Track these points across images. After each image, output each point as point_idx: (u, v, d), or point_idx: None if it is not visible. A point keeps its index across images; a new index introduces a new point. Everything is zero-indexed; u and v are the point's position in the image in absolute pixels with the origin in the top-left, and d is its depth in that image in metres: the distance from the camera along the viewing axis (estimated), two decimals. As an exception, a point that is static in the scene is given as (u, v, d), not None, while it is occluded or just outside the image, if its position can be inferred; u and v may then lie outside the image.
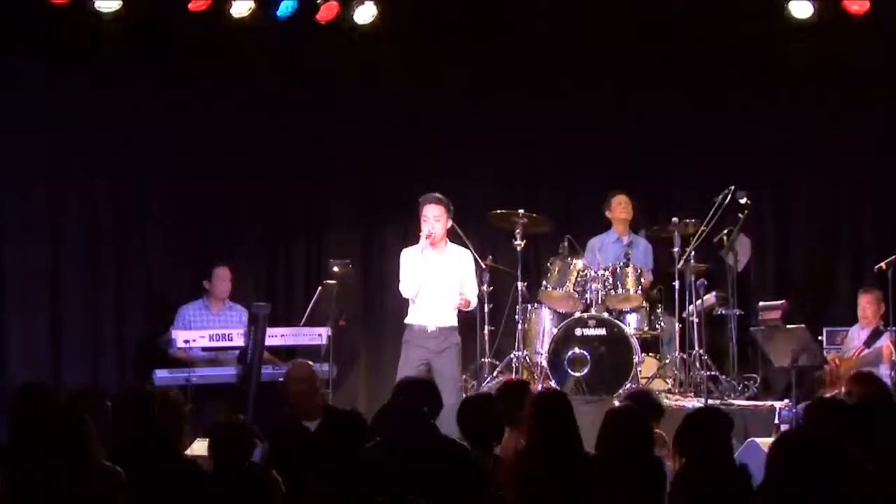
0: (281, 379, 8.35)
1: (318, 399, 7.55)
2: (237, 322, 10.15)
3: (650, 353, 10.27)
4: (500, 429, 6.21)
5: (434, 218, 9.27)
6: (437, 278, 9.26)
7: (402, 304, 11.22)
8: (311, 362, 7.91)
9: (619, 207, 10.58)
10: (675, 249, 10.15)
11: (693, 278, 10.05)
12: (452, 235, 9.56)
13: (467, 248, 9.66)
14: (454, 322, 9.33)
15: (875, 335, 9.82)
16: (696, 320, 10.00)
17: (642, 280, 10.15)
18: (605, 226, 10.71)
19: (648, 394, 7.84)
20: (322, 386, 8.03)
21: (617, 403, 9.31)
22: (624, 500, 5.43)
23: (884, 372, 9.54)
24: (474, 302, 9.53)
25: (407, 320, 9.34)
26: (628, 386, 9.74)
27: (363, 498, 4.99)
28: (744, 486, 5.16)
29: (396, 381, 8.96)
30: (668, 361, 10.18)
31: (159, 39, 10.39)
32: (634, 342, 9.84)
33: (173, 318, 10.18)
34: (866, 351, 9.80)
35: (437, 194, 9.37)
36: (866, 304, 9.94)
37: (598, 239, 10.65)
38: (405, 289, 9.36)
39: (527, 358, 10.15)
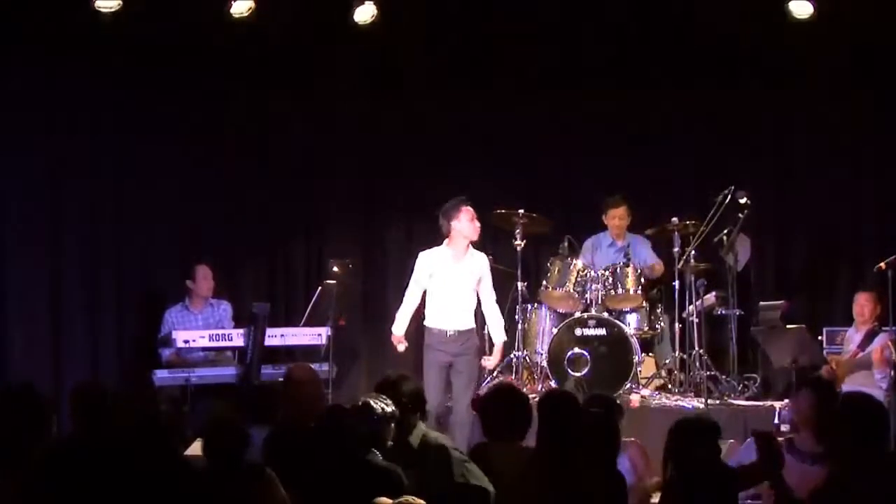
0: (280, 379, 8.34)
1: (320, 403, 7.51)
2: (220, 317, 10.20)
3: (650, 353, 10.28)
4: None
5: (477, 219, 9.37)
6: (456, 283, 9.29)
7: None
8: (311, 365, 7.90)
9: (614, 221, 10.55)
10: (675, 249, 10.16)
11: (693, 278, 10.05)
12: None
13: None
14: (472, 324, 9.35)
15: (871, 336, 9.77)
16: (696, 320, 10.00)
17: (642, 281, 10.13)
18: (603, 226, 10.70)
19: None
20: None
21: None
22: None
23: (877, 375, 9.53)
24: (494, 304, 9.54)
25: (426, 323, 9.35)
26: (628, 386, 9.75)
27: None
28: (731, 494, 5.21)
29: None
30: (667, 361, 10.18)
31: (159, 39, 10.38)
32: (634, 342, 9.85)
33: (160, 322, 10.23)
34: (861, 354, 9.75)
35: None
36: (864, 304, 9.89)
37: (593, 239, 10.64)
38: (411, 294, 9.41)
39: (527, 358, 10.16)
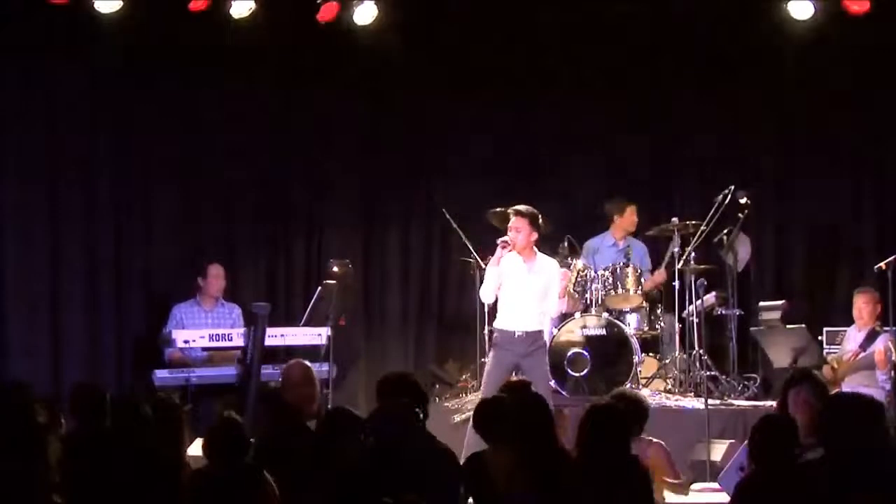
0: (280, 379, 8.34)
1: (316, 400, 7.51)
2: (230, 319, 10.17)
3: (650, 353, 10.28)
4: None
5: (515, 228, 9.02)
6: (523, 285, 9.00)
7: (402, 304, 11.28)
8: (308, 363, 7.87)
9: (633, 217, 10.51)
10: (675, 249, 10.15)
11: (693, 278, 10.05)
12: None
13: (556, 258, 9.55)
14: (540, 326, 9.08)
15: (871, 337, 9.74)
16: (696, 320, 10.00)
17: (642, 280, 10.15)
18: (602, 227, 10.69)
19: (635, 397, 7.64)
20: (322, 387, 7.99)
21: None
22: (602, 499, 5.44)
23: (880, 377, 9.51)
24: (553, 309, 9.28)
25: (495, 324, 9.13)
26: (628, 386, 9.74)
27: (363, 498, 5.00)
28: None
29: (480, 382, 9.05)
30: (668, 361, 10.19)
31: (159, 39, 10.38)
32: (634, 342, 9.85)
33: (167, 317, 10.21)
34: (862, 354, 9.73)
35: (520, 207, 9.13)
36: (862, 305, 9.85)
37: (594, 241, 10.63)
38: (482, 293, 9.20)
39: (527, 358, 10.14)
